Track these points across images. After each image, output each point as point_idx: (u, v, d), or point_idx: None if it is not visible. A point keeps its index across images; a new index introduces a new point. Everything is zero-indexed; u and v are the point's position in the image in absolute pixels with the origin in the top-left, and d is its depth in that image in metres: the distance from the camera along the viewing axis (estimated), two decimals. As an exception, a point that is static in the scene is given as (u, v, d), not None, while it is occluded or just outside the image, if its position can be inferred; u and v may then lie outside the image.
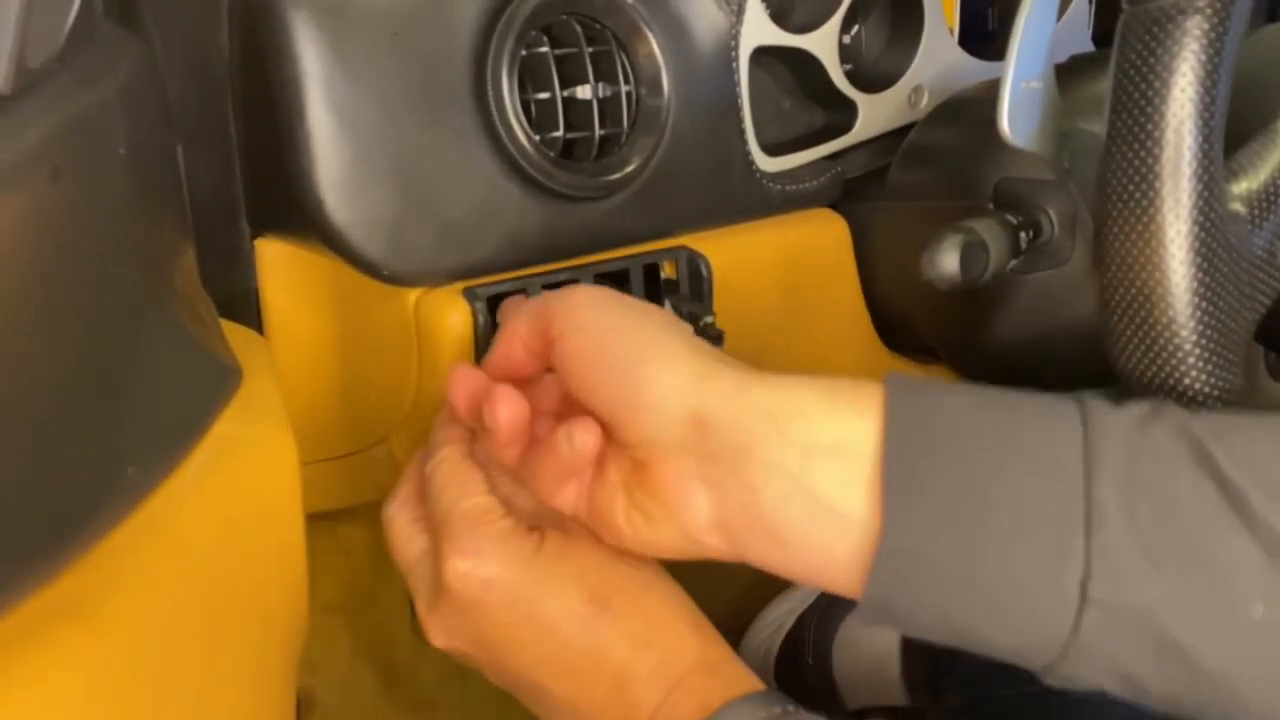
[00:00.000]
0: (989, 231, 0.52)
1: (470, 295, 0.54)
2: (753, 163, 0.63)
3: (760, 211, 0.65)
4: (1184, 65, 0.37)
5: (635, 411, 0.39)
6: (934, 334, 0.68)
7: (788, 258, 0.66)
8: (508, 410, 0.42)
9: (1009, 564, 0.35)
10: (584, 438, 0.40)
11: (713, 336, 0.55)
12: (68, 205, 0.30)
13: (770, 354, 0.64)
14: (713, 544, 0.39)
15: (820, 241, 0.68)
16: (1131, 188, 0.38)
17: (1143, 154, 0.38)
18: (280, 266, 0.57)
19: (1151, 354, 0.39)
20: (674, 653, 0.41)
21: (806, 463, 0.36)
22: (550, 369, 0.44)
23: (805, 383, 0.38)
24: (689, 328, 0.43)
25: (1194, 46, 0.37)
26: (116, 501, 0.33)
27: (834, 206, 0.69)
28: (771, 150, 0.64)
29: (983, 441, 0.36)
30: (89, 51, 0.31)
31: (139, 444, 0.34)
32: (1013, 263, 0.55)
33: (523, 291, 0.55)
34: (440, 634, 0.44)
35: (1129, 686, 0.35)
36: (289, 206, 0.51)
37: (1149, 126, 0.38)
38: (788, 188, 0.65)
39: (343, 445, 0.62)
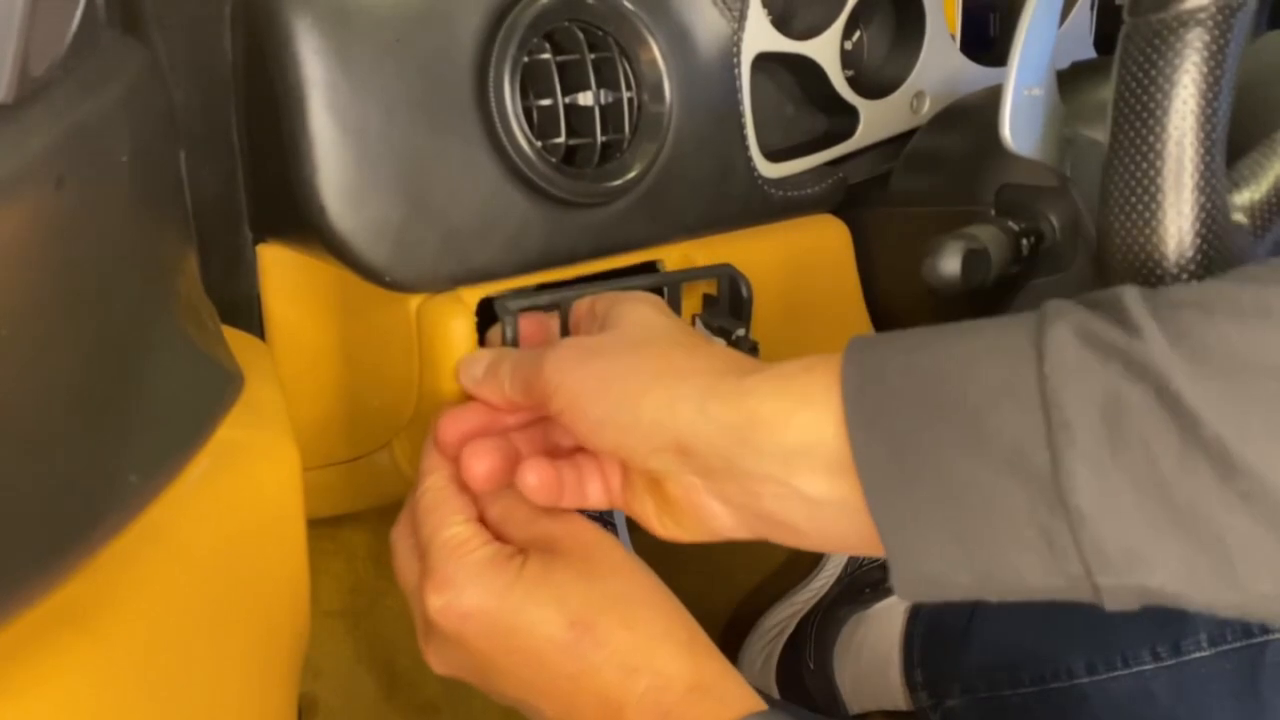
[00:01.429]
0: (991, 237, 0.52)
1: (502, 309, 0.53)
2: (754, 169, 0.63)
3: (762, 217, 0.65)
4: (1185, 77, 0.37)
5: (631, 448, 0.41)
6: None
7: (790, 263, 0.66)
8: (481, 465, 0.45)
9: (1010, 566, 0.34)
10: (533, 479, 0.43)
11: (746, 349, 0.55)
12: (72, 213, 0.30)
13: (772, 360, 0.64)
14: (742, 535, 0.41)
15: (822, 247, 0.68)
16: (1134, 199, 0.38)
17: (1145, 166, 0.38)
18: (282, 272, 0.58)
19: None
20: (665, 676, 0.41)
21: (788, 468, 0.37)
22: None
23: (759, 388, 0.39)
24: (688, 337, 0.44)
25: (1195, 58, 0.37)
26: (119, 509, 0.33)
27: (836, 212, 0.69)
28: (773, 156, 0.64)
29: (948, 443, 0.35)
30: (92, 58, 0.31)
31: (142, 451, 0.34)
32: (1014, 269, 0.55)
33: (555, 308, 0.54)
34: (436, 662, 0.45)
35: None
36: (291, 212, 0.51)
37: (1150, 138, 0.38)
38: (790, 193, 0.65)
39: (345, 451, 0.62)
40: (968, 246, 0.50)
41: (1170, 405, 0.31)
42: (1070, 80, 0.53)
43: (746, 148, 0.62)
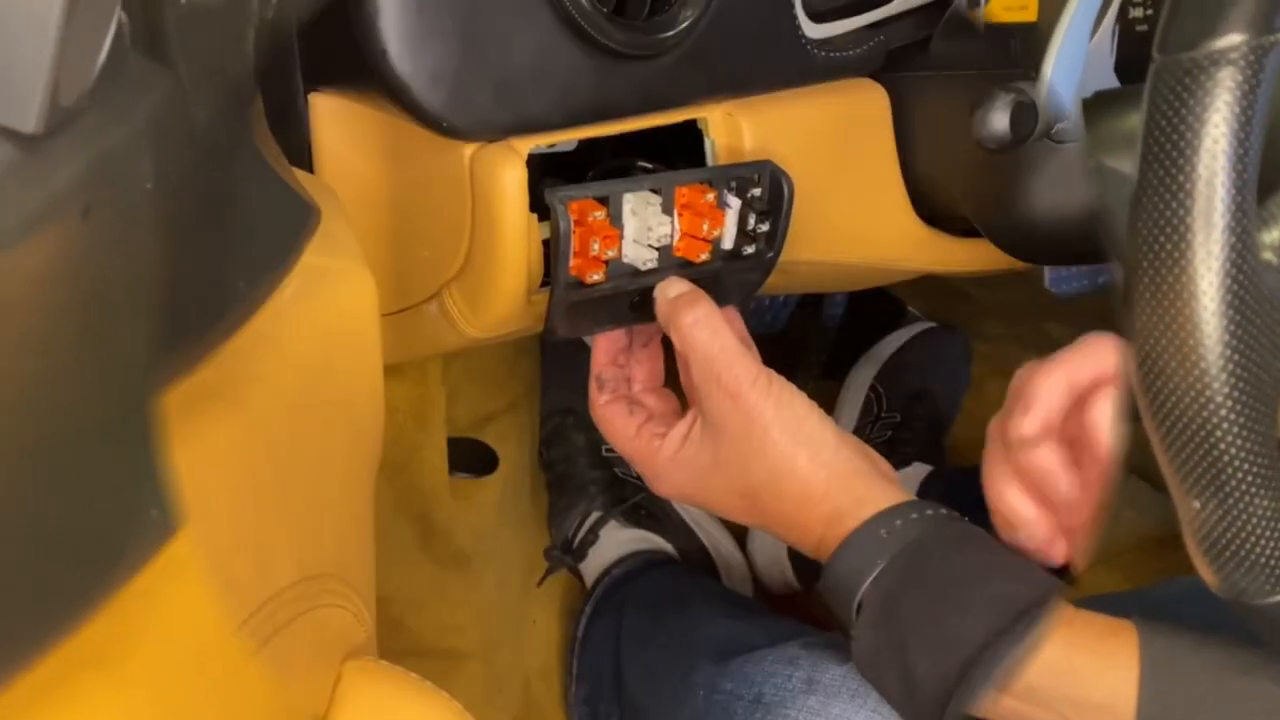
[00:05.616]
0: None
1: (553, 198, 0.53)
2: (799, 28, 0.63)
3: (804, 78, 0.65)
4: (1216, 116, 0.36)
5: None
6: (969, 204, 0.70)
7: (828, 126, 0.67)
8: None
9: None
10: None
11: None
12: (99, 243, 0.28)
13: (807, 225, 0.65)
14: None
15: (861, 111, 0.69)
16: (1163, 239, 0.37)
17: (1174, 205, 0.37)
18: (334, 121, 0.58)
19: (1183, 406, 0.38)
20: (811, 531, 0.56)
21: (1078, 711, 0.49)
22: None
23: (1078, 640, 0.50)
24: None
25: (1226, 98, 0.36)
26: (143, 540, 0.30)
27: (874, 76, 0.70)
28: (818, 17, 0.64)
29: None
30: (118, 86, 0.29)
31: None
32: (1057, 127, 0.56)
33: (604, 200, 0.55)
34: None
35: None
36: (351, 57, 0.52)
37: (1180, 178, 0.37)
38: (831, 54, 0.65)
39: (394, 301, 0.64)
40: (1017, 100, 0.51)
41: None
42: (1093, 110, 0.52)
43: (792, 5, 0.62)
